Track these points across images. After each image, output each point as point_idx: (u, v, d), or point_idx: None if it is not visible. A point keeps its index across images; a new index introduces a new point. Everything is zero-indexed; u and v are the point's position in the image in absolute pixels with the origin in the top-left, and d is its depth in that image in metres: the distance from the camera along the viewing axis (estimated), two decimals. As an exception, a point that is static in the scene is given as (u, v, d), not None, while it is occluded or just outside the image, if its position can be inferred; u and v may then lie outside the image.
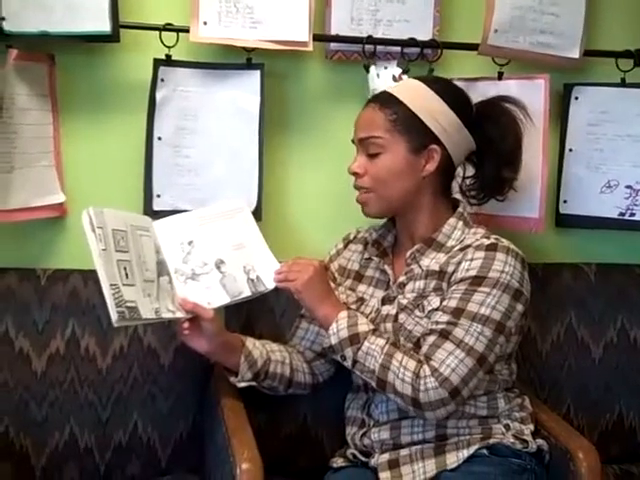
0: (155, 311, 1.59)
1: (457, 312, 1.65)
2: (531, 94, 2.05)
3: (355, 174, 1.79)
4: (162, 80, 2.00)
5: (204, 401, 1.95)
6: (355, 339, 1.68)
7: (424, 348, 1.66)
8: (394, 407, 1.74)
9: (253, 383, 1.79)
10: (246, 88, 2.03)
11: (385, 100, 1.77)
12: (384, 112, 1.75)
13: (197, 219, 1.80)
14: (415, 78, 1.85)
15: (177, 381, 1.96)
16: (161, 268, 1.69)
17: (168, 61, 1.99)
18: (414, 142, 1.74)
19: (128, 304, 1.51)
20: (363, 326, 1.70)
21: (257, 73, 2.02)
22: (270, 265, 1.78)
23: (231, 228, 1.81)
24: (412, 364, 1.63)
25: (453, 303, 1.67)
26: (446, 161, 1.77)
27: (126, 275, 1.55)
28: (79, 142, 2.05)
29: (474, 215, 1.91)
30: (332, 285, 1.82)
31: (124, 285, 1.52)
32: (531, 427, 1.79)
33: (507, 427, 1.75)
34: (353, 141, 1.82)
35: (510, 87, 2.03)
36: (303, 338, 1.91)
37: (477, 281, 1.67)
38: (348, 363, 1.71)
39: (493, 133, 1.82)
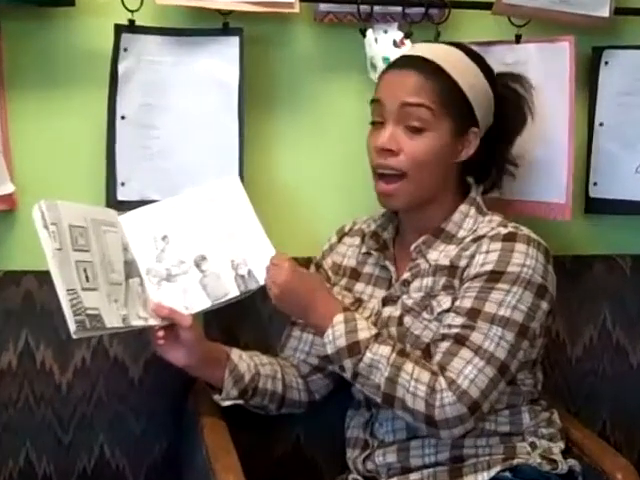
0: (123, 319, 1.60)
1: (473, 314, 1.65)
2: (554, 59, 2.05)
3: (386, 151, 1.74)
4: (125, 49, 2.00)
5: (181, 421, 1.96)
6: (355, 348, 1.67)
7: (437, 356, 1.67)
8: (401, 425, 1.74)
9: (239, 401, 1.80)
10: (223, 57, 2.03)
11: (430, 69, 1.74)
12: (433, 83, 1.72)
13: (172, 209, 1.80)
14: (446, 43, 1.86)
15: (149, 399, 1.97)
16: (130, 269, 1.71)
17: (131, 27, 2.00)
18: (458, 124, 1.75)
19: (89, 311, 1.51)
20: (364, 332, 1.69)
21: (235, 39, 2.02)
22: (266, 253, 1.77)
23: (215, 215, 1.81)
24: (425, 376, 1.63)
25: (468, 303, 1.67)
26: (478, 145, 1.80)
27: (86, 278, 1.55)
28: (29, 123, 2.05)
29: (489, 201, 1.90)
30: (327, 285, 1.84)
31: (84, 290, 1.53)
32: (561, 445, 1.80)
33: (533, 445, 1.76)
34: (373, 100, 1.78)
35: (530, 52, 2.04)
36: (296, 349, 1.91)
37: (494, 277, 1.67)
38: (348, 375, 1.71)
39: (506, 112, 1.85)
